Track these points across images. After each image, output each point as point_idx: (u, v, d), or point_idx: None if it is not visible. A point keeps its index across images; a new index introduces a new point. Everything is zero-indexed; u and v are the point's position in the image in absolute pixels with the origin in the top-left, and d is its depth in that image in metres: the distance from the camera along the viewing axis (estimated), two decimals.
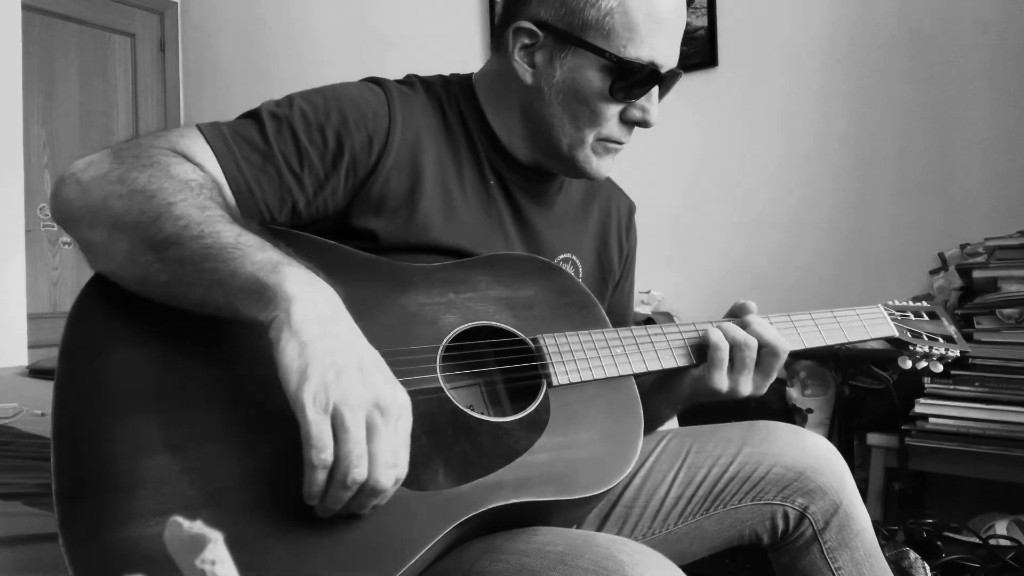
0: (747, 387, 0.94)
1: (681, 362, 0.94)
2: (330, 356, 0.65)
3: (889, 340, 1.09)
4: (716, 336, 0.92)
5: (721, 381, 0.92)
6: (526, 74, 0.94)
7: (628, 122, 0.96)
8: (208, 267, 0.68)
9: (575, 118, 0.94)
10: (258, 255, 0.69)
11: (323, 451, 0.63)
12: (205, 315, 0.72)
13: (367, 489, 0.65)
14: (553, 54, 0.92)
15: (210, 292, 0.69)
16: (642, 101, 0.94)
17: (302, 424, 0.63)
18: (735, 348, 0.92)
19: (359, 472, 0.63)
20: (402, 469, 0.67)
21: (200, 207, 0.72)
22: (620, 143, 0.98)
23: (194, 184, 0.75)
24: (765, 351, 0.93)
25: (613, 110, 0.94)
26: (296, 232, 0.86)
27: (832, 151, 2.31)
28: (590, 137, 0.95)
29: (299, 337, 0.65)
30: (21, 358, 2.93)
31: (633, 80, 0.91)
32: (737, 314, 0.98)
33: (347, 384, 0.64)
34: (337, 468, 0.63)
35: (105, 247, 0.73)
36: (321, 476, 0.63)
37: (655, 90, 0.94)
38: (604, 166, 0.99)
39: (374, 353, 0.69)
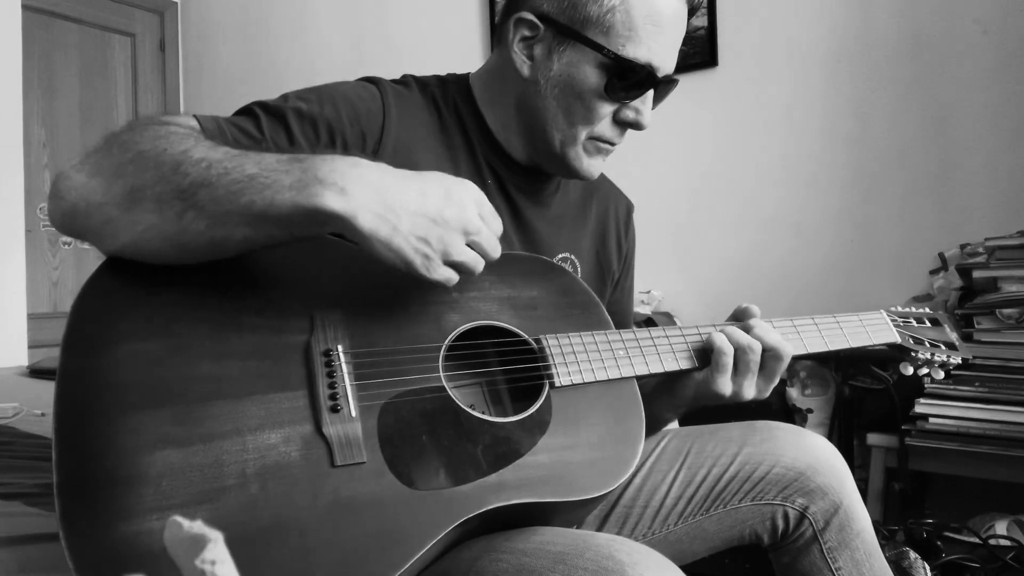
0: (751, 391, 0.94)
1: (684, 365, 0.94)
2: (411, 235, 0.71)
3: (891, 346, 1.08)
4: (720, 340, 0.92)
5: (725, 385, 0.92)
6: (524, 66, 0.94)
7: (621, 123, 0.96)
8: (245, 201, 0.68)
9: (569, 114, 0.94)
10: (286, 179, 0.69)
11: (453, 281, 0.75)
12: (256, 248, 0.74)
13: (489, 263, 0.78)
14: (552, 47, 0.93)
15: (258, 227, 0.69)
16: (636, 103, 0.94)
17: (431, 283, 0.74)
18: (739, 352, 0.92)
19: (481, 268, 0.77)
20: (500, 230, 0.79)
21: (212, 147, 0.72)
22: (612, 144, 0.98)
23: (195, 132, 0.76)
24: (768, 355, 0.93)
25: (607, 109, 0.94)
26: None
27: (832, 151, 2.31)
28: (582, 135, 0.95)
29: (379, 240, 0.70)
30: (21, 358, 2.93)
31: (629, 80, 0.91)
32: (740, 318, 0.98)
33: (438, 242, 0.72)
34: (464, 274, 0.77)
35: (126, 217, 0.71)
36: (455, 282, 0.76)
37: (650, 93, 0.95)
38: (594, 166, 0.99)
39: (427, 191, 0.73)
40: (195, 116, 0.83)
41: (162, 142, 0.72)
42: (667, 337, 0.94)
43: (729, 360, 0.92)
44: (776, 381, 0.96)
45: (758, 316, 0.97)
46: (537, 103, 0.95)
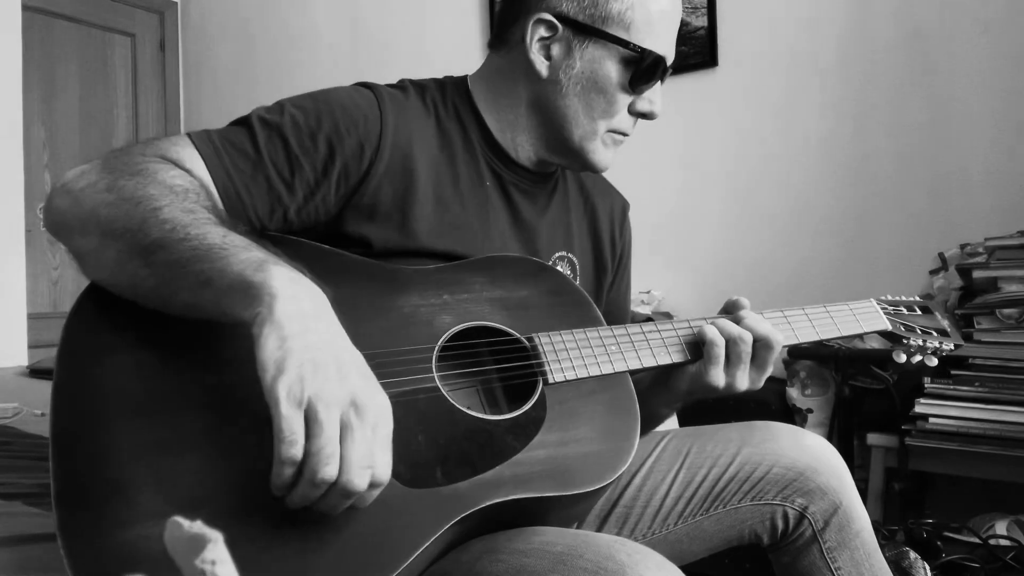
0: (744, 382, 0.94)
1: (676, 358, 0.94)
2: (309, 352, 0.63)
3: (882, 334, 1.09)
4: (712, 332, 0.93)
5: (718, 377, 0.93)
6: (543, 67, 0.97)
7: (635, 114, 1.00)
8: (195, 269, 0.68)
9: (590, 109, 0.97)
10: (243, 254, 0.69)
11: (293, 446, 0.61)
12: (193, 318, 0.71)
13: (339, 489, 0.62)
14: (572, 46, 0.96)
15: (197, 294, 0.68)
16: (649, 93, 0.99)
17: (274, 417, 0.61)
18: (730, 343, 0.93)
19: (329, 471, 0.61)
20: (380, 472, 0.64)
21: (186, 211, 0.72)
22: (626, 135, 1.02)
23: (179, 189, 0.75)
24: (759, 344, 0.94)
25: (626, 101, 0.98)
26: (288, 236, 0.87)
27: (832, 151, 2.31)
28: (602, 128, 0.99)
29: (280, 331, 0.63)
30: (21, 358, 2.92)
31: (648, 71, 0.96)
32: (730, 310, 0.99)
33: (324, 380, 0.63)
34: (307, 465, 0.61)
35: (95, 255, 0.73)
36: (289, 471, 0.61)
37: (659, 83, 0.99)
38: (609, 158, 1.02)
39: (356, 354, 0.68)
40: (190, 137, 0.83)
41: (141, 192, 0.73)
42: (659, 331, 0.95)
43: (721, 351, 0.92)
44: (768, 371, 0.96)
45: (748, 308, 0.98)
46: (557, 102, 0.97)
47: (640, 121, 1.02)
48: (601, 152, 1.00)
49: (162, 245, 0.69)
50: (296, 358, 0.62)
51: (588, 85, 0.96)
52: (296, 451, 0.61)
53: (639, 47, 0.94)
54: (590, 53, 0.95)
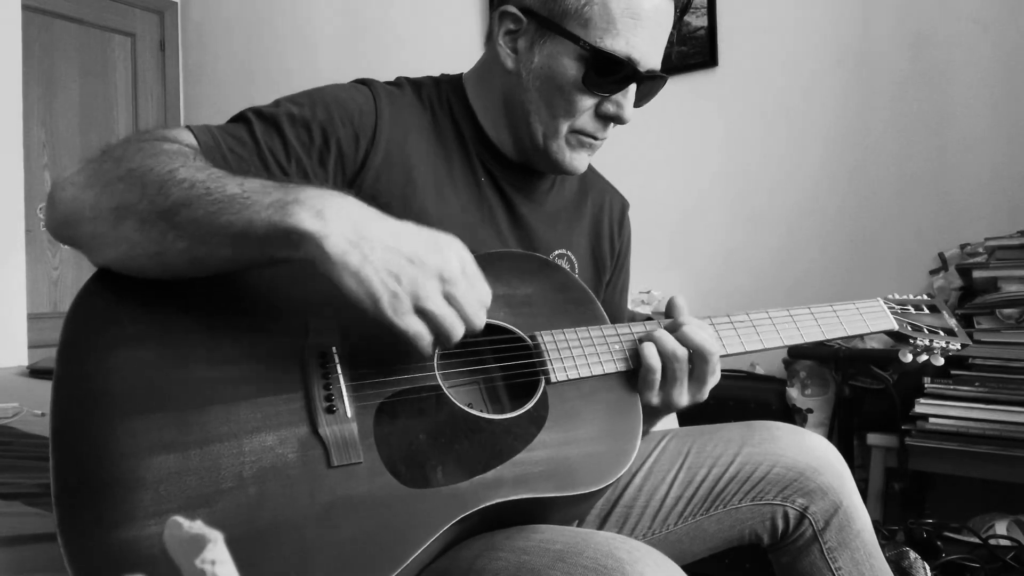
0: (683, 399, 0.89)
1: (620, 368, 0.89)
2: (382, 269, 0.68)
3: (889, 333, 1.08)
4: (650, 353, 0.87)
5: (651, 398, 0.88)
6: (508, 59, 0.96)
7: (603, 117, 0.96)
8: (223, 221, 0.68)
9: (550, 106, 0.94)
10: (265, 199, 0.69)
11: (421, 339, 0.70)
12: (238, 270, 0.74)
13: (470, 331, 0.73)
14: (534, 40, 0.94)
15: (237, 247, 0.70)
16: (617, 96, 0.94)
17: (399, 334, 0.69)
18: (665, 361, 0.87)
19: (458, 333, 0.71)
20: (487, 299, 0.74)
21: (199, 168, 0.73)
22: (595, 138, 0.98)
23: (188, 152, 0.76)
24: (694, 357, 0.88)
25: (587, 102, 0.94)
26: None
27: (832, 151, 2.31)
28: (564, 127, 0.95)
29: (347, 268, 0.67)
30: (21, 358, 2.93)
31: (607, 72, 0.91)
32: (669, 313, 0.94)
33: (409, 282, 0.69)
34: (440, 339, 0.71)
35: (112, 233, 0.72)
36: (430, 351, 0.72)
37: (632, 87, 0.94)
38: (578, 159, 0.98)
39: (404, 231, 0.71)
40: (189, 128, 0.83)
41: (151, 160, 0.73)
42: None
43: (656, 376, 0.87)
44: (710, 384, 0.90)
45: (685, 311, 0.92)
46: (521, 96, 0.96)
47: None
48: (567, 153, 0.97)
49: (185, 203, 0.69)
50: (377, 280, 0.68)
51: (546, 81, 0.93)
52: (428, 342, 0.71)
53: (589, 45, 0.89)
54: (548, 48, 0.92)
